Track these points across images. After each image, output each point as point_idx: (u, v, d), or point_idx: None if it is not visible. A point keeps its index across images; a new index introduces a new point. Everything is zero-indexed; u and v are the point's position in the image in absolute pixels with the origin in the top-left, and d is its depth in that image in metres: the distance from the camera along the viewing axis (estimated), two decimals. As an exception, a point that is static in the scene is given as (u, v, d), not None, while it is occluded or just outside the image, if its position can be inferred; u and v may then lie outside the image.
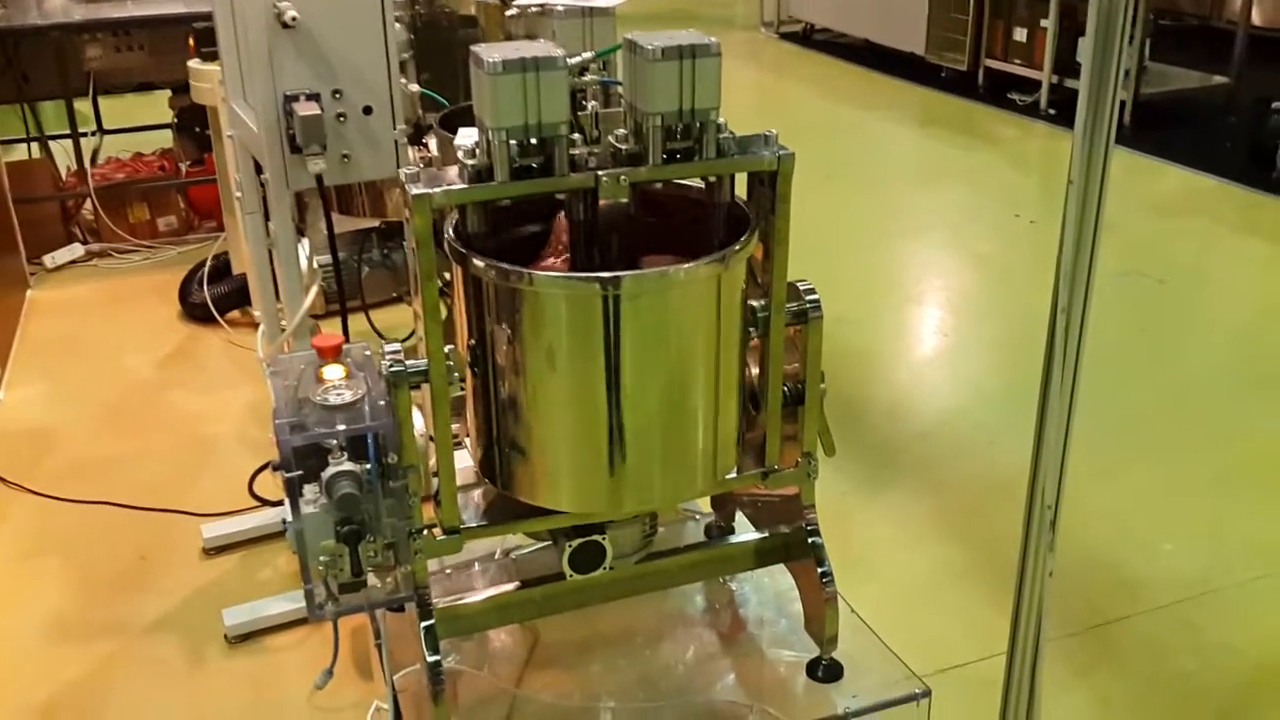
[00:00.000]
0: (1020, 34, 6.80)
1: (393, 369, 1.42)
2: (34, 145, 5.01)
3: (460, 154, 1.38)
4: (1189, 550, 2.89)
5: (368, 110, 2.28)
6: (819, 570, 1.69)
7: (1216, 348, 4.02)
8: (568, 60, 1.34)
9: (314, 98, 2.21)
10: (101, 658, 2.60)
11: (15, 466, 3.33)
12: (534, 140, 1.36)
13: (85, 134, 5.00)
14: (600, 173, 1.39)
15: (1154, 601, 2.69)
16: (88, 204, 4.96)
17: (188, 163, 4.99)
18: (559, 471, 1.48)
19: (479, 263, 1.38)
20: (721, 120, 1.43)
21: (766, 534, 1.78)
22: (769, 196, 1.48)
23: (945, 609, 2.68)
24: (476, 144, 1.38)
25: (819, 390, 1.64)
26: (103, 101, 4.93)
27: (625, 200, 1.42)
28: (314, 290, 2.44)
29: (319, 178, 2.23)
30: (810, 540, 1.68)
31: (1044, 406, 1.44)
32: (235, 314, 4.20)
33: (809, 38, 8.97)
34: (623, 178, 1.39)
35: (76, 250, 4.88)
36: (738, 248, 1.43)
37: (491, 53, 1.33)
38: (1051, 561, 1.56)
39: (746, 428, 1.67)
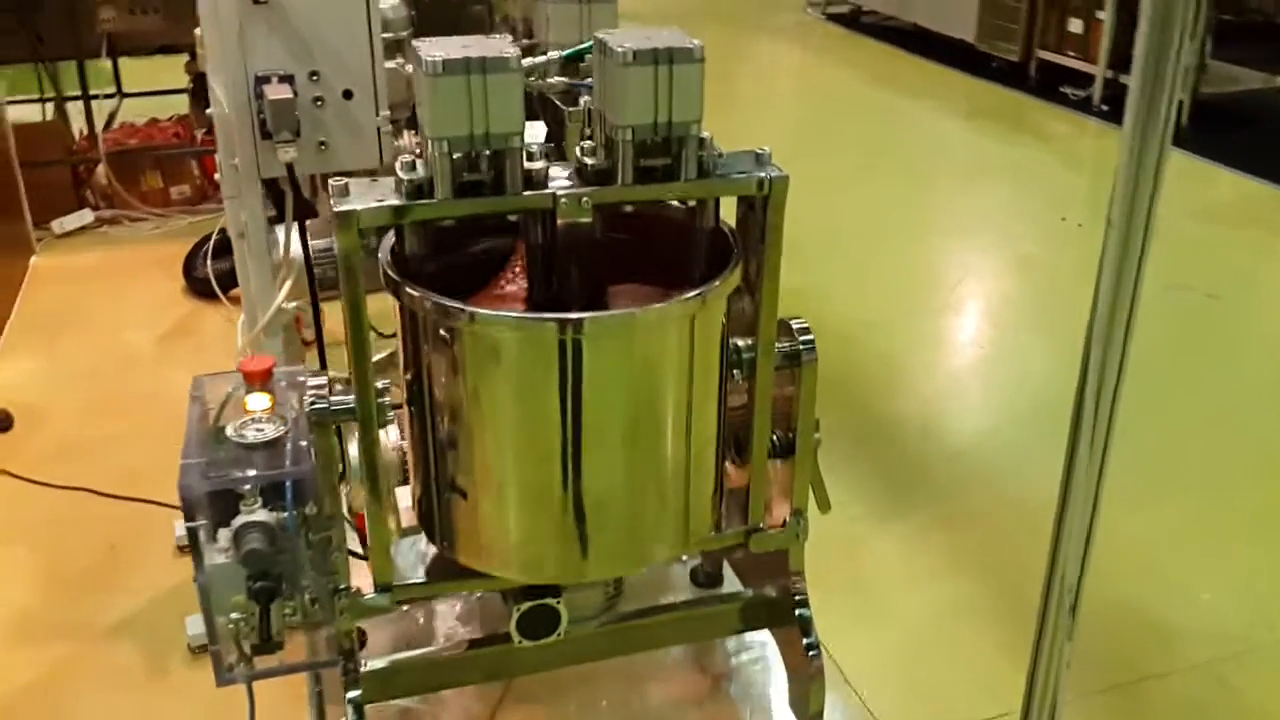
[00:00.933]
0: (1076, 25, 6.49)
1: (314, 406, 1.24)
2: (49, 106, 4.89)
3: (398, 166, 1.19)
4: (1229, 600, 2.66)
5: (348, 94, 2.10)
6: (804, 642, 1.50)
7: (1268, 370, 3.77)
8: (521, 61, 1.14)
9: (288, 80, 2.03)
10: (59, 661, 2.46)
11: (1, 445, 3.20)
12: (482, 152, 1.17)
13: (98, 96, 4.86)
14: (559, 192, 1.20)
15: (1188, 658, 2.47)
16: (100, 169, 4.83)
17: (202, 130, 4.83)
18: (507, 535, 1.30)
19: (413, 292, 1.20)
20: (705, 135, 1.24)
21: (750, 595, 1.59)
22: (758, 223, 1.28)
23: (959, 655, 2.48)
24: (417, 154, 1.20)
25: (812, 440, 1.45)
26: (126, 64, 4.79)
27: (588, 221, 1.23)
28: (288, 284, 2.26)
29: (289, 167, 2.05)
30: (797, 612, 1.49)
31: (1070, 472, 1.24)
32: (238, 291, 4.05)
33: (857, 20, 8.67)
34: (585, 199, 1.20)
35: (86, 216, 4.74)
36: (717, 284, 1.24)
37: (432, 50, 1.14)
38: (1069, 650, 1.36)
39: (729, 478, 1.49)
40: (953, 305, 4.22)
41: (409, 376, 1.28)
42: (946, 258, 4.69)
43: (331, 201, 1.17)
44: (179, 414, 3.33)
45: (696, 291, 1.22)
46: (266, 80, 2.02)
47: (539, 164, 1.20)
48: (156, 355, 3.77)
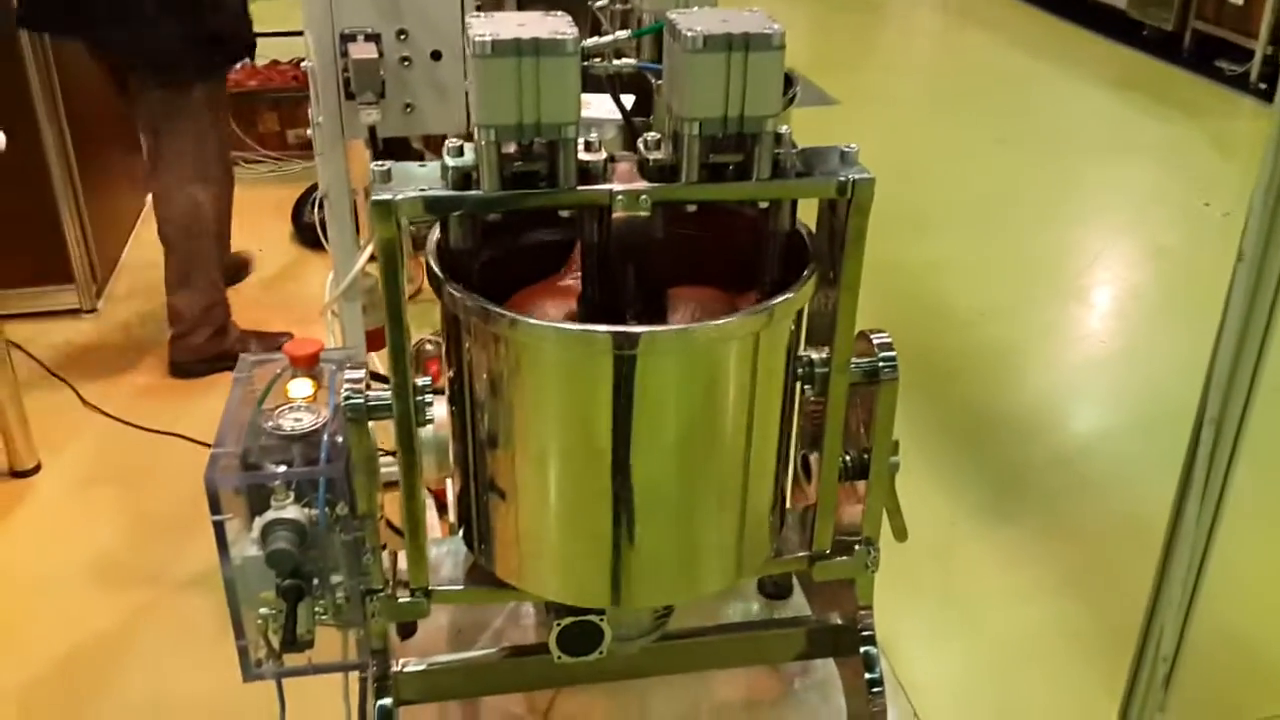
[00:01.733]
0: (1239, -5, 6.07)
1: (350, 401, 1.16)
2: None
3: (446, 152, 1.10)
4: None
5: (436, 55, 2.02)
6: (867, 678, 1.38)
7: None
8: (580, 43, 1.03)
9: (374, 39, 1.96)
10: (133, 610, 2.49)
11: (97, 385, 3.26)
12: (534, 142, 1.07)
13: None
14: (616, 188, 1.09)
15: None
16: (221, 109, 4.87)
17: (321, 75, 4.83)
18: (548, 555, 1.21)
19: (455, 293, 1.10)
20: (784, 129, 1.11)
21: (814, 621, 1.48)
22: (839, 228, 1.16)
23: (1050, 679, 2.33)
24: (466, 136, 1.10)
25: (889, 464, 1.32)
26: (259, 5, 4.80)
27: (648, 215, 1.11)
28: (369, 249, 2.21)
29: (372, 130, 1.98)
30: (863, 649, 1.37)
31: (1173, 537, 1.10)
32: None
33: (1002, -20, 8.29)
34: (644, 196, 1.09)
35: (205, 156, 4.79)
36: (786, 297, 1.12)
37: (483, 27, 1.04)
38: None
39: (795, 494, 1.37)
40: (1078, 293, 3.99)
41: (451, 374, 1.19)
42: (1076, 240, 4.44)
43: (372, 186, 1.08)
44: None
45: (763, 306, 1.10)
46: (352, 38, 1.96)
47: (596, 155, 1.09)
48: (259, 299, 3.79)
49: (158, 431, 3.04)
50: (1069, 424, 3.21)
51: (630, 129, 1.33)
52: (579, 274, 1.23)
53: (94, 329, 3.59)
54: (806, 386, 1.25)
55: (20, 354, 3.27)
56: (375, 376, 1.35)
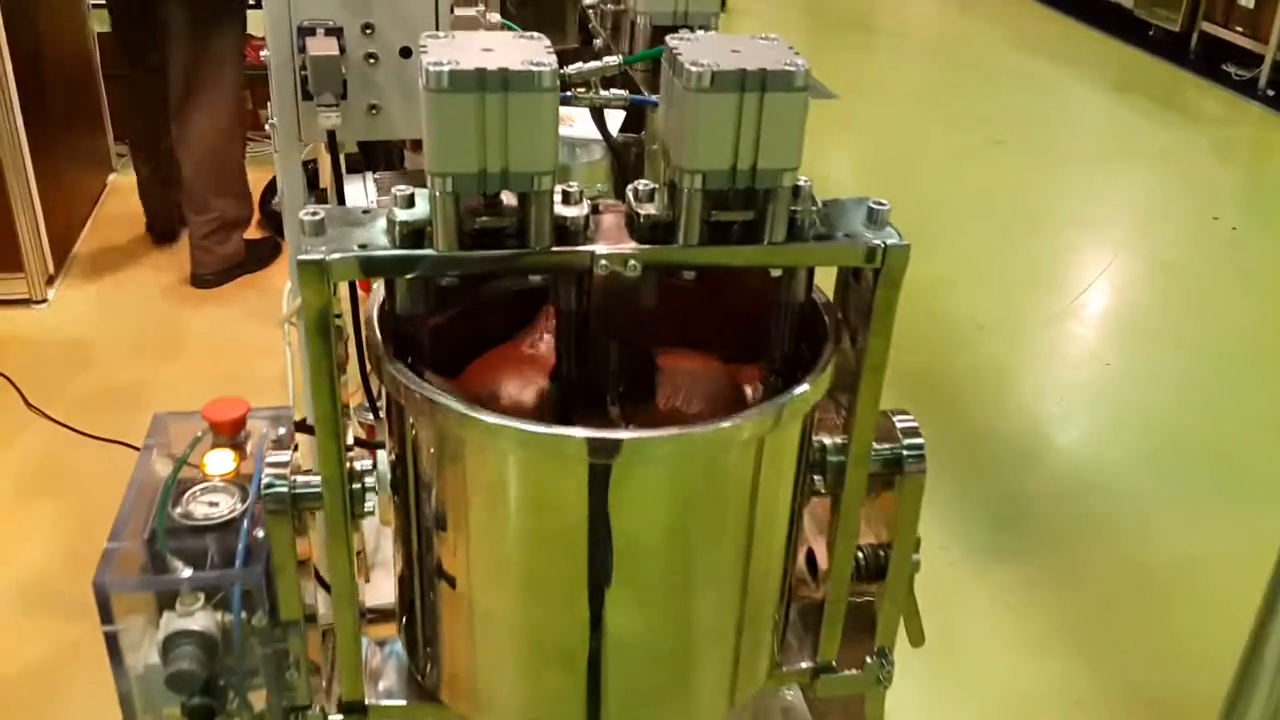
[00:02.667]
0: (1249, -2, 5.89)
1: (270, 491, 0.97)
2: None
3: (394, 201, 0.90)
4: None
5: (405, 52, 1.80)
6: (874, 804, 1.21)
7: None
8: (557, 76, 0.84)
9: (335, 33, 1.75)
10: (65, 643, 2.29)
11: (43, 385, 3.04)
12: (498, 192, 0.87)
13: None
14: (599, 249, 0.90)
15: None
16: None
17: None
18: (506, 688, 1.02)
19: (397, 375, 0.91)
20: (803, 181, 0.92)
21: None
22: (863, 299, 0.97)
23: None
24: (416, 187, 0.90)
25: (910, 566, 1.14)
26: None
27: (635, 284, 0.92)
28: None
29: (331, 135, 1.77)
30: (869, 773, 1.19)
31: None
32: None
33: (1004, -27, 8.09)
34: (632, 261, 0.90)
35: (172, 134, 4.56)
36: (804, 389, 0.93)
37: (440, 51, 0.84)
38: None
39: (799, 591, 1.19)
40: (1080, 311, 3.81)
41: (393, 457, 1.00)
42: (1077, 254, 4.27)
43: (301, 239, 0.89)
44: (232, 365, 3.15)
45: (771, 405, 0.91)
46: (311, 32, 1.74)
47: (577, 209, 0.90)
48: (220, 293, 3.58)
49: (106, 440, 2.84)
50: (1072, 455, 3.03)
51: (618, 161, 1.14)
52: (549, 336, 1.04)
53: (44, 321, 3.38)
54: (816, 476, 1.06)
55: (-39, 347, 3.06)
56: (302, 427, 1.17)
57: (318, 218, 0.89)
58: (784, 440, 0.96)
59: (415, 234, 0.89)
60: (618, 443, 0.86)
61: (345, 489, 0.96)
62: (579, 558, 0.91)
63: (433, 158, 0.85)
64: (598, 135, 1.38)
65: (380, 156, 2.53)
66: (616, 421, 0.95)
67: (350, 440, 1.21)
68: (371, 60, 1.80)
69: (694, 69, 0.84)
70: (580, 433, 0.86)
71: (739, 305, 1.06)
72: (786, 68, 0.85)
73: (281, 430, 1.11)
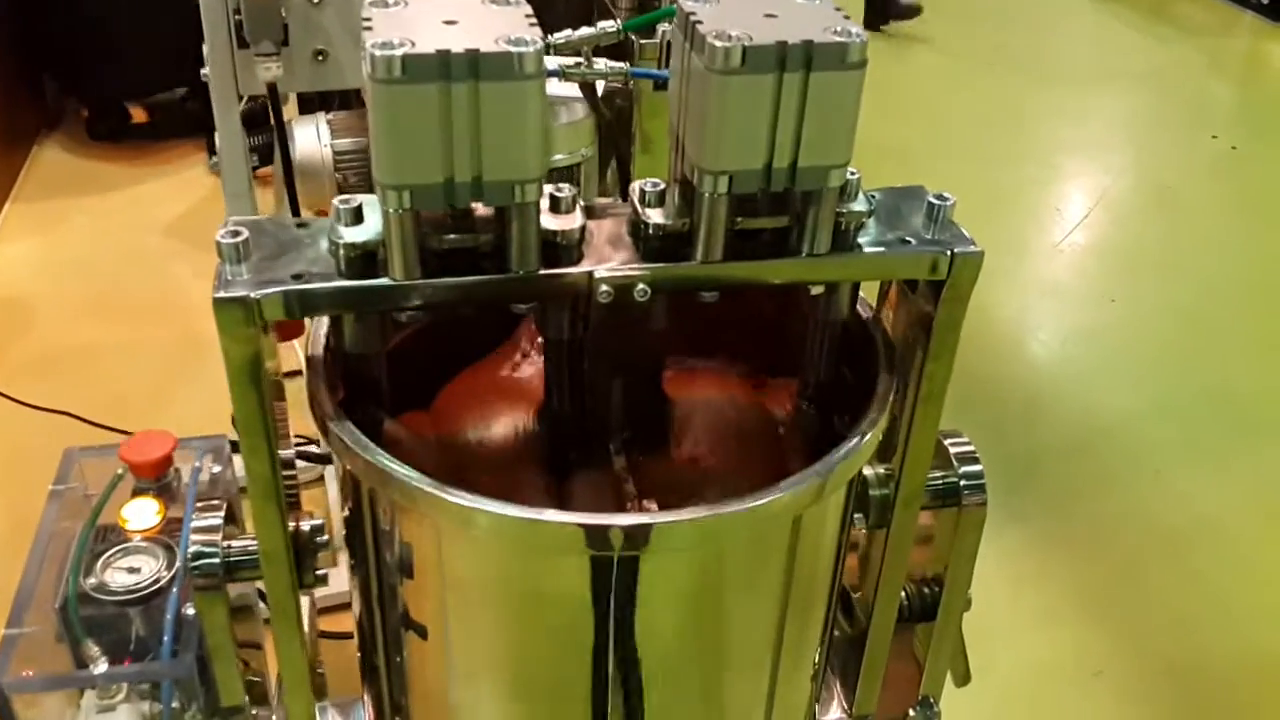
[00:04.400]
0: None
1: (199, 564, 0.79)
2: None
3: (336, 217, 0.71)
4: None
5: (354, -10, 1.59)
6: None
7: None
8: (543, 56, 0.64)
9: (271, -31, 1.53)
10: None
11: (-26, 352, 2.82)
12: (467, 206, 0.68)
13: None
14: (599, 271, 0.71)
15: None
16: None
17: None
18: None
19: (343, 436, 0.72)
20: (852, 174, 0.74)
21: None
22: (920, 314, 0.79)
23: (1074, 727, 2.03)
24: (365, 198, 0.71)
25: (962, 605, 0.98)
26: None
27: (643, 308, 0.74)
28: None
29: (271, 87, 1.56)
30: (912, 838, 1.04)
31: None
32: (269, 170, 3.59)
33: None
34: (641, 286, 0.71)
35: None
36: (852, 446, 0.75)
37: (388, 27, 0.64)
38: None
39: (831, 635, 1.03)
40: (1079, 244, 3.63)
41: (347, 513, 0.82)
42: (1069, 182, 4.07)
43: (220, 267, 0.70)
44: (182, 325, 2.94)
45: (813, 471, 0.72)
46: (243, -31, 1.52)
47: (568, 220, 0.71)
48: (169, 246, 3.33)
49: (45, 409, 2.63)
50: (1076, 403, 2.86)
51: (612, 143, 0.95)
52: (537, 355, 0.86)
53: (-24, 278, 3.14)
54: (858, 516, 0.89)
55: (-113, 311, 2.83)
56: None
57: (239, 238, 0.70)
58: (830, 504, 0.78)
59: (365, 258, 0.70)
60: (625, 531, 0.67)
61: (291, 561, 0.79)
62: (580, 658, 0.73)
63: (384, 167, 0.65)
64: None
65: (335, 95, 2.29)
66: (622, 476, 0.78)
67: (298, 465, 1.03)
68: (317, 1, 1.58)
69: (719, 44, 0.65)
70: (574, 521, 0.67)
71: (764, 307, 0.88)
72: (838, 38, 0.66)
73: (215, 469, 0.92)
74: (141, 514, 0.91)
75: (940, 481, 0.90)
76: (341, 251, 0.69)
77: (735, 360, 0.89)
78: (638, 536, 0.67)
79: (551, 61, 0.94)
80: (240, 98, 1.66)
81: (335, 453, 0.74)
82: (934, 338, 0.78)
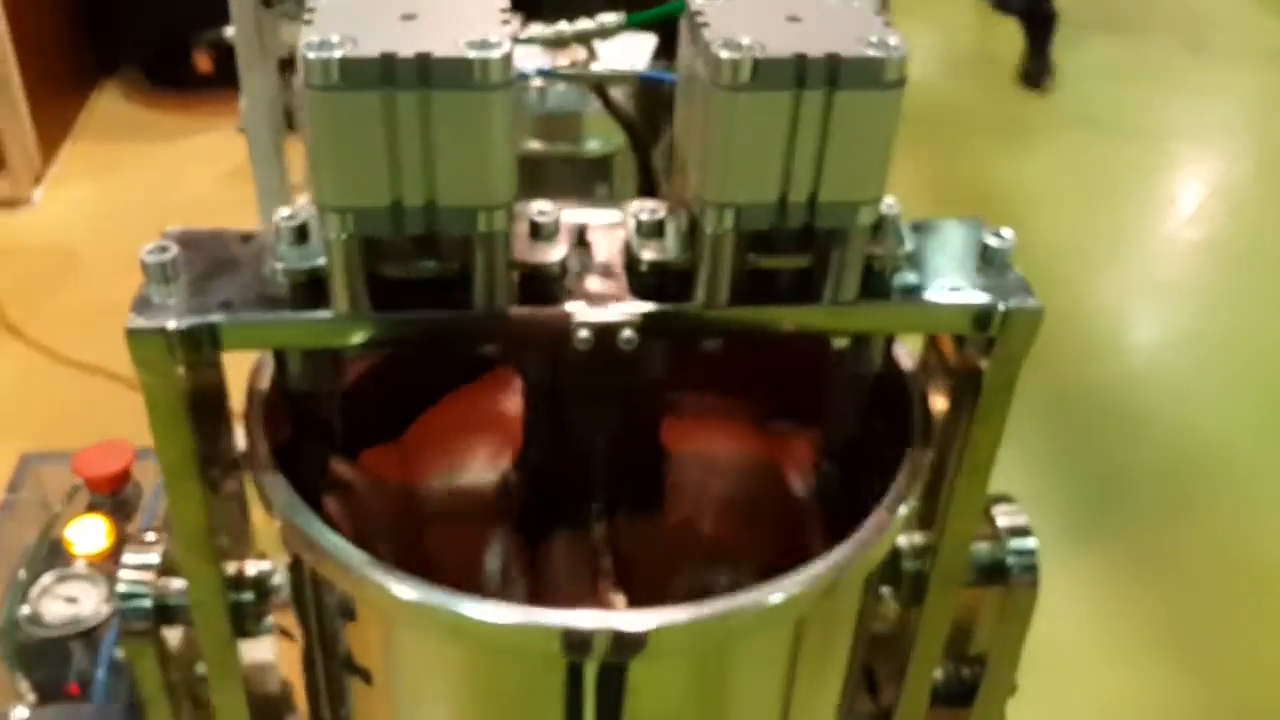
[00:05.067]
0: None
1: (129, 606, 0.70)
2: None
3: (277, 235, 0.61)
4: None
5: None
6: None
7: None
8: (511, 63, 0.53)
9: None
10: None
11: (24, 299, 2.79)
12: (425, 231, 0.58)
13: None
14: (579, 314, 0.60)
15: None
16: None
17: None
18: None
19: (295, 525, 0.62)
20: (889, 205, 0.62)
21: None
22: (969, 377, 0.67)
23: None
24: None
25: (1006, 690, 0.87)
26: None
27: (633, 359, 0.63)
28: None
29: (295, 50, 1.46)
30: None
31: None
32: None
33: None
34: (627, 333, 0.60)
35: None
36: (879, 529, 0.64)
37: (330, 20, 0.54)
38: None
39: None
40: (1184, 242, 3.38)
41: (296, 617, 0.73)
42: (1181, 171, 3.79)
43: (141, 289, 0.60)
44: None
45: (826, 562, 0.61)
46: (269, -78, 1.43)
47: (548, 251, 0.60)
48: (220, 203, 3.28)
49: (86, 367, 2.59)
50: (1179, 417, 2.62)
51: (640, 154, 0.84)
52: (501, 393, 0.75)
53: (28, 226, 3.11)
54: (885, 589, 0.78)
55: (-63, 255, 2.82)
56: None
57: (166, 255, 0.60)
58: (844, 603, 0.67)
59: (312, 284, 0.60)
60: (606, 636, 0.57)
61: (226, 612, 0.70)
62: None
63: (321, 187, 0.55)
64: (631, 69, 1.06)
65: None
66: (600, 548, 0.67)
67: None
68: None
69: (726, 54, 0.53)
70: (554, 623, 0.57)
71: (783, 345, 0.76)
72: (872, 52, 0.54)
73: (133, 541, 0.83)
74: (89, 535, 0.83)
75: (986, 555, 0.78)
76: (280, 277, 0.59)
77: (746, 397, 0.78)
78: (612, 641, 0.57)
79: (543, 59, 0.83)
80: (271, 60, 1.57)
81: (285, 534, 0.64)
82: (981, 401, 0.66)
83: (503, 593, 0.67)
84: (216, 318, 0.58)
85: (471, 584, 0.67)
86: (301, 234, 0.60)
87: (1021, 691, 1.98)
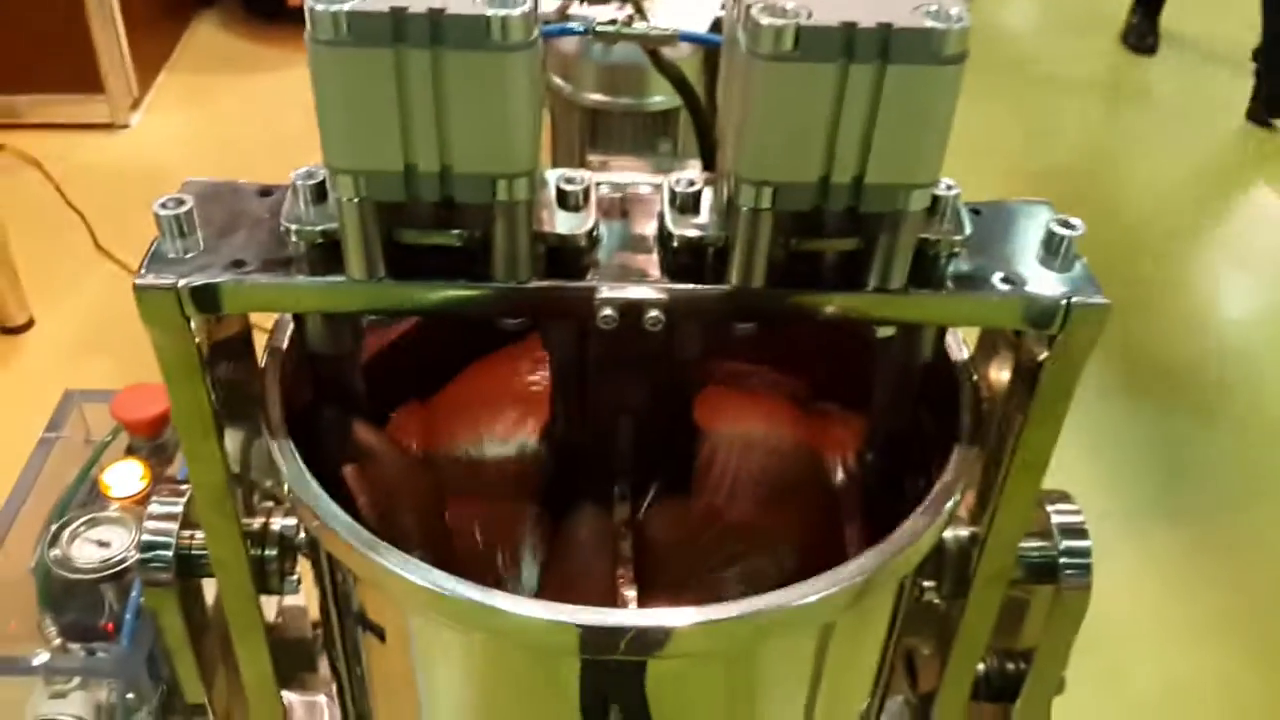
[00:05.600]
0: None
1: (150, 557, 0.69)
2: None
3: (294, 193, 0.58)
4: None
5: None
6: None
7: None
8: (535, 21, 0.50)
9: None
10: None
11: (115, 222, 2.84)
12: (441, 198, 0.55)
13: None
14: (604, 290, 0.57)
15: None
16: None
17: None
18: None
19: (314, 512, 0.60)
20: (948, 186, 0.57)
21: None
22: (1024, 368, 0.62)
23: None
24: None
25: (1053, 689, 0.83)
26: None
27: (661, 331, 0.59)
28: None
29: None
30: None
31: None
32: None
33: None
34: (654, 312, 0.57)
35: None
36: (915, 534, 0.60)
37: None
38: None
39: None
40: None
41: (320, 608, 0.71)
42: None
43: (154, 244, 0.58)
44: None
45: (863, 565, 0.57)
46: None
47: (577, 221, 0.57)
48: (310, 137, 3.29)
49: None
50: (1265, 397, 2.54)
51: (695, 116, 0.79)
52: (528, 372, 0.72)
53: (124, 150, 3.16)
54: (924, 584, 0.74)
55: (36, 174, 2.88)
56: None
57: (182, 208, 0.58)
58: (878, 600, 0.64)
59: (327, 247, 0.57)
60: (623, 633, 0.54)
61: (248, 569, 0.68)
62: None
63: (330, 147, 0.52)
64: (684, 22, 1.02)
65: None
66: (620, 532, 0.64)
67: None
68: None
69: (767, 20, 0.49)
70: (570, 619, 0.54)
71: (825, 348, 0.72)
72: (931, 22, 0.49)
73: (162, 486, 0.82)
74: (125, 479, 0.82)
75: (1037, 554, 0.74)
76: (299, 237, 0.57)
77: (790, 372, 0.74)
78: (629, 638, 0.54)
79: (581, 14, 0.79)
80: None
81: (304, 519, 0.62)
82: (1037, 400, 0.62)
83: (520, 571, 0.65)
84: (227, 278, 0.56)
85: (490, 559, 0.65)
86: (320, 194, 0.57)
87: (1083, 668, 1.91)
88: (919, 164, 0.52)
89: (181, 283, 0.55)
